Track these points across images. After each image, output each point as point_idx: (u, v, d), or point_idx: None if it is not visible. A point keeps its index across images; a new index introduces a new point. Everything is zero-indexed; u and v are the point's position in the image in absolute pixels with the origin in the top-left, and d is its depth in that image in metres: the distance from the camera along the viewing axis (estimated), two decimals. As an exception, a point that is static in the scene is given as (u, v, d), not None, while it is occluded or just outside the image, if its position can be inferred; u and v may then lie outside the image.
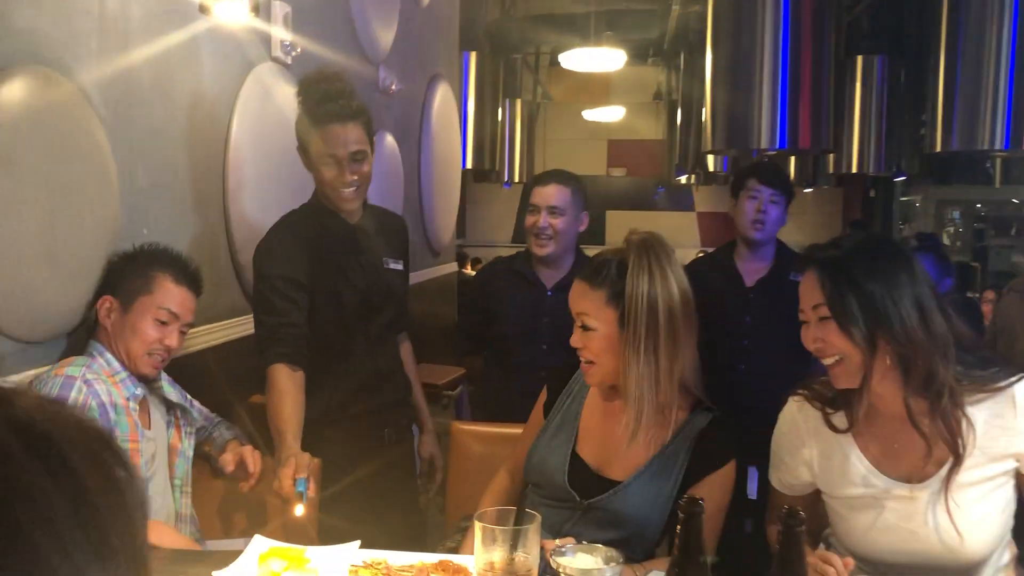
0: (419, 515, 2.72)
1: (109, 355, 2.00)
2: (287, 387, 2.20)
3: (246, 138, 2.88)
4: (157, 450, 2.05)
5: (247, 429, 2.39)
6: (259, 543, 1.75)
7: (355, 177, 2.36)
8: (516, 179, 10.16)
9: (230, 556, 1.69)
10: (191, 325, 2.11)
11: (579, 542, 1.80)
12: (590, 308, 1.81)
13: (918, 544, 1.64)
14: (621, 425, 1.82)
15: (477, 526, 1.38)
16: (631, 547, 1.81)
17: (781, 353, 3.08)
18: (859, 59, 6.98)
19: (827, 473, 1.76)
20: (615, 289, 1.78)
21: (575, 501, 1.85)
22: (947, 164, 11.02)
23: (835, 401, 1.74)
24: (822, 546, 1.84)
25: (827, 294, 1.63)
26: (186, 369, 2.45)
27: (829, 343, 1.64)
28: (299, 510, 1.91)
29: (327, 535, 2.18)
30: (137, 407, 2.01)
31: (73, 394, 1.84)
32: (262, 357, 2.27)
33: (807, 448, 1.79)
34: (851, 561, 1.49)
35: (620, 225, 7.62)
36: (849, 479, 1.71)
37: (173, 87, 2.52)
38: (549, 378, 2.08)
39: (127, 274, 2.04)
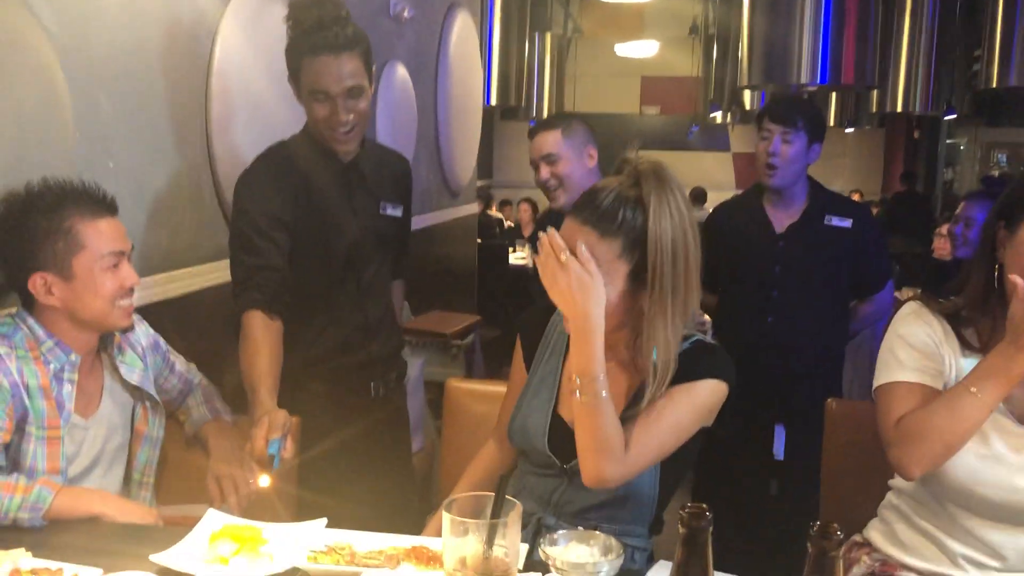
0: (411, 476, 2.53)
1: (32, 321, 1.72)
2: (263, 337, 2.00)
3: (232, 63, 2.63)
4: (98, 440, 1.79)
5: (233, 380, 2.19)
6: (212, 519, 1.55)
7: (350, 116, 2.12)
8: (544, 117, 9.81)
9: (178, 534, 1.50)
10: (133, 247, 1.82)
11: (570, 511, 1.63)
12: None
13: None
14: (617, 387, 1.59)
15: (445, 517, 1.16)
16: (629, 507, 1.62)
17: (813, 305, 2.88)
18: (908, -12, 6.53)
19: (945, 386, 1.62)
20: (633, 237, 1.50)
21: (558, 466, 1.65)
22: (999, 104, 10.50)
23: (961, 318, 1.62)
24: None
25: None
26: (166, 316, 2.26)
27: None
28: (263, 481, 1.71)
29: (306, 501, 2.00)
30: (74, 380, 1.73)
31: None
32: (236, 301, 2.07)
33: (941, 343, 1.63)
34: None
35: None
36: None
37: (143, 3, 2.27)
38: (521, 326, 1.84)
39: (39, 241, 1.68)
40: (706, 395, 1.57)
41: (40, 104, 1.91)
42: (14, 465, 1.66)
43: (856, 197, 10.53)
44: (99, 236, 1.71)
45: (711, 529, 0.85)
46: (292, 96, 2.23)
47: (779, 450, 2.92)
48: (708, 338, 1.67)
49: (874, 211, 9.60)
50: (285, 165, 2.19)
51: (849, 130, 11.36)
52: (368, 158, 2.30)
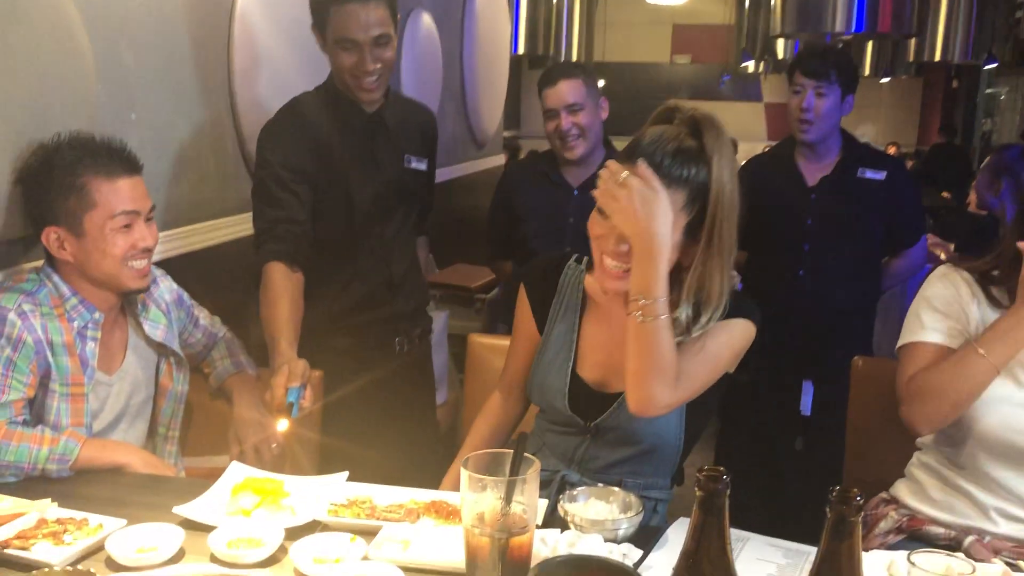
0: (435, 430, 2.54)
1: (57, 278, 1.72)
2: (283, 287, 2.00)
3: (254, 13, 2.60)
4: (122, 396, 1.80)
5: (257, 333, 2.20)
6: (235, 472, 1.56)
7: (377, 65, 2.10)
8: (559, 65, 9.63)
9: (200, 486, 1.51)
10: (154, 207, 1.79)
11: (593, 467, 1.62)
12: None
13: None
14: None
15: (463, 474, 1.16)
16: (655, 460, 1.61)
17: (845, 260, 2.84)
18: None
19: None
20: (696, 189, 1.46)
21: (580, 425, 1.63)
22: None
23: (993, 277, 1.61)
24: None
25: None
26: (190, 269, 2.26)
27: None
28: (282, 425, 1.71)
29: (331, 456, 2.01)
30: (97, 337, 1.73)
31: (6, 328, 1.61)
32: (257, 253, 2.07)
33: (967, 304, 1.62)
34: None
35: (680, 116, 7.14)
36: None
37: (163, -48, 2.24)
38: (525, 278, 1.79)
39: (54, 195, 1.68)
40: (740, 333, 1.55)
41: (62, 57, 1.89)
42: (38, 420, 1.67)
43: (892, 150, 10.32)
44: (113, 195, 1.69)
45: (728, 492, 0.83)
46: (315, 47, 2.20)
47: (806, 406, 2.91)
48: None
49: (908, 164, 9.41)
50: (308, 116, 2.17)
51: (885, 80, 11.09)
52: (392, 110, 2.27)
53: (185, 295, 1.99)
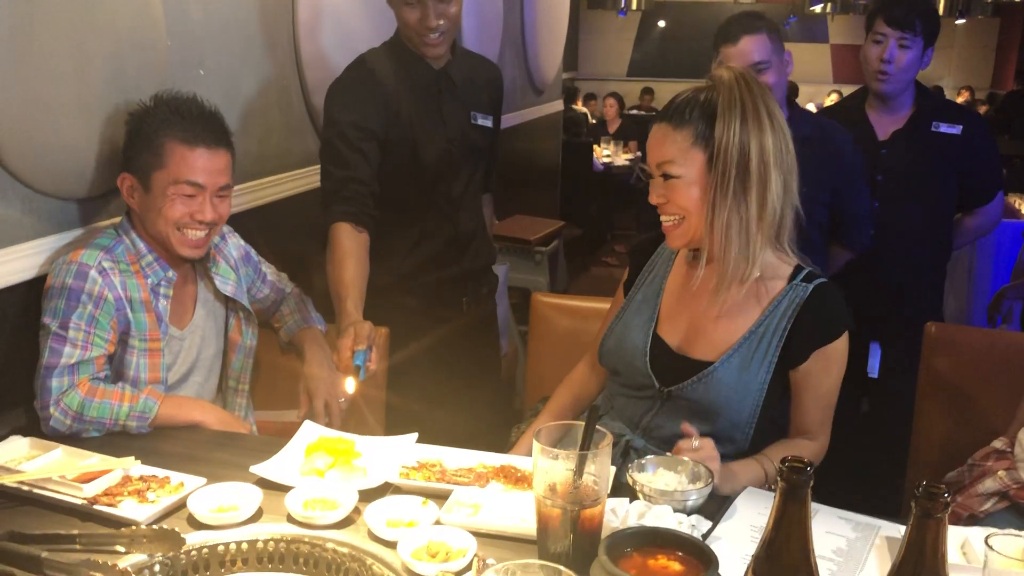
0: (500, 389, 2.55)
1: (135, 234, 1.76)
2: (350, 248, 2.01)
3: (318, -37, 2.58)
4: (193, 349, 1.84)
5: (322, 287, 2.23)
6: (308, 431, 1.60)
7: (441, 22, 2.09)
8: (633, 6, 9.47)
9: (275, 445, 1.55)
10: (229, 187, 1.80)
11: (659, 435, 1.64)
12: (674, 152, 1.56)
13: None
14: (707, 295, 1.60)
15: (535, 446, 1.17)
16: (719, 443, 1.58)
17: (917, 217, 2.75)
18: None
19: None
20: (702, 129, 1.55)
21: (655, 388, 1.64)
22: None
23: None
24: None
25: None
26: (255, 223, 2.29)
27: None
28: (350, 385, 1.74)
29: (398, 414, 2.05)
30: (169, 295, 1.77)
31: (87, 285, 1.65)
32: (324, 213, 2.08)
33: None
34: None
35: (743, 60, 6.92)
36: None
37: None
38: (632, 253, 1.84)
39: (137, 145, 1.72)
40: (844, 352, 1.63)
41: (135, 17, 1.91)
42: (117, 376, 1.73)
43: (964, 96, 9.94)
44: (184, 162, 1.70)
45: (811, 483, 0.82)
46: (380, 1, 2.18)
47: (873, 368, 2.85)
48: (814, 268, 1.64)
49: (982, 110, 9.06)
50: (376, 73, 2.16)
51: (960, 21, 10.65)
52: (459, 66, 2.26)
53: (252, 252, 2.02)
